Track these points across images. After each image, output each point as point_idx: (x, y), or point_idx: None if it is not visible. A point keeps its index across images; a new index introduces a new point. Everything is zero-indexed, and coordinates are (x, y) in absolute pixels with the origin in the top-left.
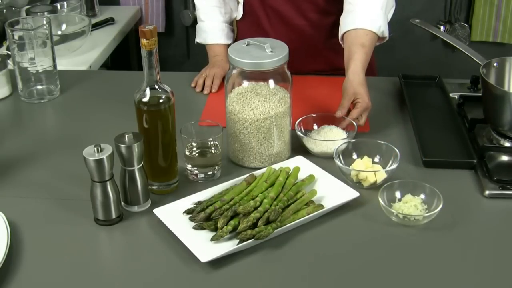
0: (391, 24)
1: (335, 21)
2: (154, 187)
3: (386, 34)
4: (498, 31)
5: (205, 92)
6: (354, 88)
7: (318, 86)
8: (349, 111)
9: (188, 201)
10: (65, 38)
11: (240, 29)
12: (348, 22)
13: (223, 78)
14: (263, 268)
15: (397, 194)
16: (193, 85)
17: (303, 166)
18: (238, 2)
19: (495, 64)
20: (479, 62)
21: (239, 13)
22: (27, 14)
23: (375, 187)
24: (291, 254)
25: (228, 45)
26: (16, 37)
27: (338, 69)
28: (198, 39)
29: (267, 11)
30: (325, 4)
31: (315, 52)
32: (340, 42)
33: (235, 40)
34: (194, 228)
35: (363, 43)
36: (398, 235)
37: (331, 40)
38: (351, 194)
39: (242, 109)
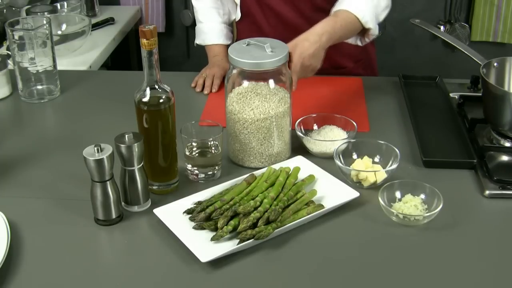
0: (391, 23)
1: None
2: (154, 187)
3: (371, 25)
4: (498, 31)
5: (205, 92)
6: (298, 39)
7: (318, 86)
8: None
9: (188, 201)
10: (65, 38)
11: (240, 30)
12: (336, 6)
13: (223, 78)
14: (263, 268)
15: (397, 194)
16: (193, 85)
17: (303, 166)
18: (236, 4)
19: (495, 64)
20: (479, 62)
21: (237, 15)
22: (27, 14)
23: (375, 187)
24: (291, 254)
25: (228, 46)
26: (16, 37)
27: (338, 67)
28: (197, 41)
29: (264, 11)
30: (322, 2)
31: None
32: None
33: (235, 41)
34: (194, 228)
35: (337, 14)
36: (398, 235)
37: None
38: (351, 194)
39: (242, 109)
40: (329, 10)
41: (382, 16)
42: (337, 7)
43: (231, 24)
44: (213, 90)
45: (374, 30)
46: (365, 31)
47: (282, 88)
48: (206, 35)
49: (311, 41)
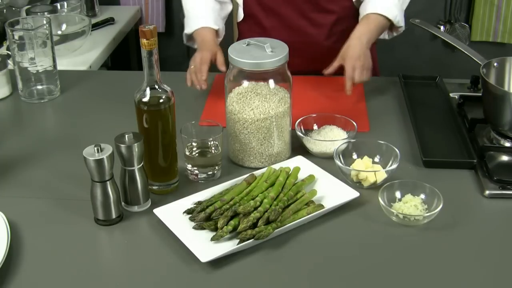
0: None
1: (336, 20)
2: (154, 187)
3: (402, 24)
4: (498, 31)
5: (198, 88)
6: (342, 50)
7: (318, 86)
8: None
9: (188, 201)
10: (65, 38)
11: (241, 31)
12: (365, 8)
13: (215, 61)
14: (263, 268)
15: (397, 194)
16: (188, 83)
17: (303, 166)
18: (238, 4)
19: (495, 64)
20: (479, 62)
21: (239, 15)
22: (27, 14)
23: (375, 187)
24: (291, 254)
25: (216, 31)
26: (16, 37)
27: (340, 69)
28: (185, 30)
29: (267, 12)
30: (325, 3)
31: (317, 51)
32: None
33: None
34: (194, 228)
35: (368, 17)
36: (398, 235)
37: (332, 38)
38: (351, 194)
39: (242, 109)
40: (332, 10)
41: (405, 7)
42: (365, 9)
43: (223, 18)
44: (203, 87)
45: (403, 27)
46: (393, 26)
47: (282, 88)
48: (192, 21)
49: (353, 45)
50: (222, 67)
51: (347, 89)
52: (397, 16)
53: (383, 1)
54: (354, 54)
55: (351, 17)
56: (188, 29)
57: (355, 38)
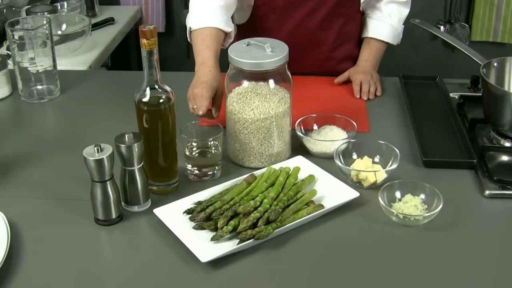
0: None
1: (344, 22)
2: (154, 187)
3: (399, 40)
4: (498, 31)
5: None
6: (351, 69)
7: (318, 86)
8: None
9: (188, 201)
10: (65, 38)
11: (244, 32)
12: (367, 30)
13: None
14: (263, 268)
15: (397, 194)
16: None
17: (303, 166)
18: (244, 5)
19: (495, 64)
20: (479, 62)
21: (244, 17)
22: (27, 14)
23: (375, 187)
24: (291, 254)
25: (226, 33)
26: (16, 37)
27: (339, 73)
28: (190, 24)
29: (277, 15)
30: (338, 7)
31: (323, 53)
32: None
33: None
34: (194, 228)
35: (369, 42)
36: (398, 235)
37: (338, 40)
38: (351, 194)
39: (242, 109)
40: (341, 13)
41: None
42: (366, 32)
43: (232, 16)
44: (215, 116)
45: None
46: None
47: (282, 88)
48: (194, 18)
49: (361, 65)
50: (214, 114)
51: (355, 93)
52: (395, 40)
53: (381, 26)
54: (361, 69)
55: (357, 19)
56: (190, 24)
57: (362, 61)
